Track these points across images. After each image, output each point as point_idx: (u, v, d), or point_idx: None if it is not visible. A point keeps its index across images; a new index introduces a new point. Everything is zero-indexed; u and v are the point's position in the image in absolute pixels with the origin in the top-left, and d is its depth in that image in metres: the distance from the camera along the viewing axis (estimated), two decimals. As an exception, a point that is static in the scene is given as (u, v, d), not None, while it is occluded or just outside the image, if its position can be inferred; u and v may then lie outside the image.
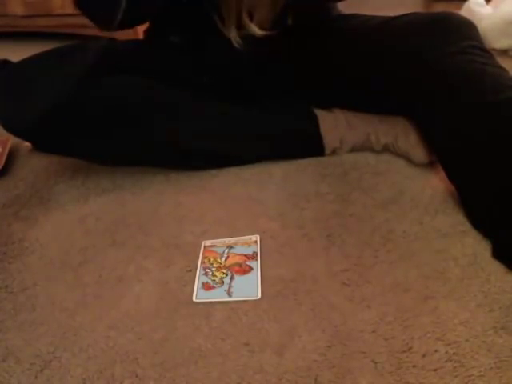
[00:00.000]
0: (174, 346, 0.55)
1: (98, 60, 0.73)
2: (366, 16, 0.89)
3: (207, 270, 0.65)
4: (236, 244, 0.69)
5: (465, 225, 0.71)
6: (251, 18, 0.79)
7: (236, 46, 0.80)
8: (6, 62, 0.81)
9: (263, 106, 0.92)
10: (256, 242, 0.70)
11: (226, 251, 0.68)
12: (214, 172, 0.88)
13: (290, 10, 0.81)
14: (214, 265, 0.66)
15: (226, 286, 0.62)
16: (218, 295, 0.61)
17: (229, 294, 0.61)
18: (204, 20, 0.82)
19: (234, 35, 0.80)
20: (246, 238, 0.71)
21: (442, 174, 0.77)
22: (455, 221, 0.72)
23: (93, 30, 0.79)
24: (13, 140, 0.97)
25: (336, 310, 0.58)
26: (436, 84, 0.74)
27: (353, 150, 0.92)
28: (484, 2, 1.50)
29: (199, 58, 0.89)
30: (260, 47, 0.78)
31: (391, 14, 0.85)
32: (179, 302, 0.61)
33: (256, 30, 0.78)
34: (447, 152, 0.75)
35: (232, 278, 0.63)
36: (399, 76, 0.78)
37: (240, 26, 0.80)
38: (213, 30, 0.82)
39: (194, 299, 0.61)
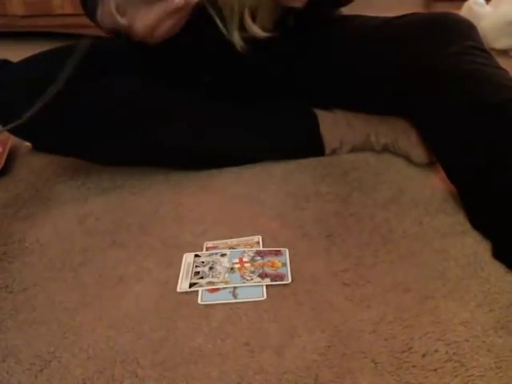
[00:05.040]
0: (173, 345, 0.55)
1: (84, 58, 0.72)
2: (366, 17, 0.89)
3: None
4: (238, 245, 0.69)
5: (465, 225, 0.71)
6: (253, 20, 0.79)
7: (239, 49, 0.80)
8: (6, 62, 0.81)
9: (263, 105, 0.92)
10: (258, 242, 0.69)
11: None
12: (214, 172, 0.88)
13: (292, 10, 0.81)
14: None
15: (230, 288, 0.62)
16: (223, 297, 0.60)
17: (234, 295, 0.61)
18: (204, 20, 0.82)
19: (236, 38, 0.80)
20: (249, 238, 0.70)
21: (442, 174, 0.77)
22: (455, 221, 0.72)
23: (93, 30, 0.79)
24: (13, 140, 0.97)
25: (336, 310, 0.58)
26: (436, 84, 0.74)
27: (353, 150, 0.92)
28: (484, 2, 1.51)
29: (199, 57, 0.89)
30: (261, 48, 0.78)
31: (392, 14, 0.85)
32: (179, 302, 0.61)
33: (258, 32, 0.78)
34: (447, 152, 0.75)
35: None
36: (399, 76, 0.78)
37: (242, 28, 0.80)
38: (213, 30, 0.82)
39: (199, 302, 0.60)
